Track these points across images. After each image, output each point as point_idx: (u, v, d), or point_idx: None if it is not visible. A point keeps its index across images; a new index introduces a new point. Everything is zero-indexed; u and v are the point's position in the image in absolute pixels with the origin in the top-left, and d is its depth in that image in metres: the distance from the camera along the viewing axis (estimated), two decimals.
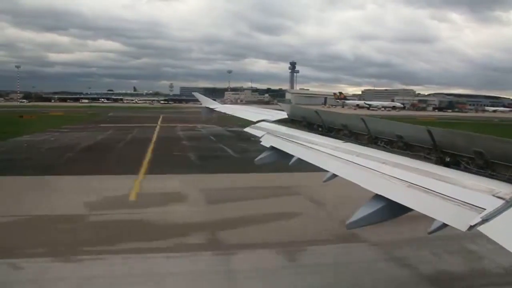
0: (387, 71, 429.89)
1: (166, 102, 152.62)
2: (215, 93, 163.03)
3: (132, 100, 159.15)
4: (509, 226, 2.45)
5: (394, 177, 3.61)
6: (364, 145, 4.78)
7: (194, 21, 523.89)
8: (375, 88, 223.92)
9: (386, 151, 4.36)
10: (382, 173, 3.78)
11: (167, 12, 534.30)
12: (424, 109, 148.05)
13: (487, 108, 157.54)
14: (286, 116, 7.33)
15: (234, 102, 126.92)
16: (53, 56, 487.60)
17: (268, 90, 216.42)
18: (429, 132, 3.75)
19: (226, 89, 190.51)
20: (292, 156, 5.50)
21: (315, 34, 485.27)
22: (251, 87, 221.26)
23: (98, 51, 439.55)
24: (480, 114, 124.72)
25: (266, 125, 7.27)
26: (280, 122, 7.27)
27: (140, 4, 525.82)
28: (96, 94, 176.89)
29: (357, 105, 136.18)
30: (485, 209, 2.62)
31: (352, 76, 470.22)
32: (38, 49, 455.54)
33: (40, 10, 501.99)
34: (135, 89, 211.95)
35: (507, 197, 2.67)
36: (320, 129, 6.06)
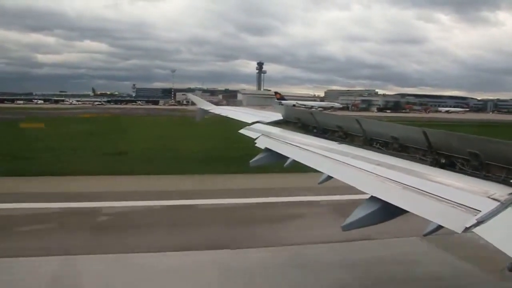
0: (380, 73, 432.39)
1: (100, 103, 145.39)
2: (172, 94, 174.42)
3: (69, 101, 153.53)
4: (504, 228, 2.46)
5: (389, 178, 3.60)
6: (359, 147, 4.77)
7: (179, 21, 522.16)
8: (340, 88, 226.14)
9: (381, 153, 4.36)
10: (377, 174, 3.77)
11: (151, 13, 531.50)
12: (366, 109, 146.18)
13: (440, 108, 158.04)
14: (281, 118, 7.32)
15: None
16: (42, 57, 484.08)
17: (226, 91, 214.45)
18: (424, 134, 3.76)
19: (181, 90, 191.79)
20: (287, 157, 5.47)
21: (304, 35, 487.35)
22: (204, 87, 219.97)
23: (86, 52, 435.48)
24: (424, 114, 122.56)
25: (261, 127, 7.23)
26: (275, 123, 7.23)
27: (122, 4, 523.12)
28: (42, 95, 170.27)
29: (294, 105, 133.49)
30: (480, 210, 2.62)
31: (346, 78, 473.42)
32: (25, 49, 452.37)
33: (22, 10, 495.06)
34: (93, 90, 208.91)
35: (502, 198, 2.67)
36: (315, 130, 6.05)
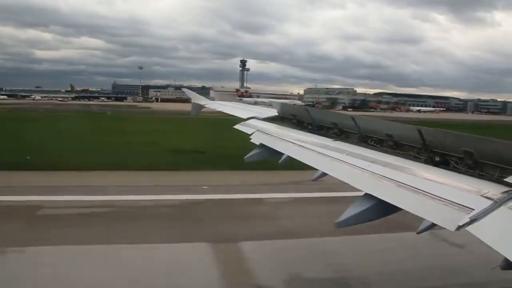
0: (379, 73, 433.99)
1: (62, 100, 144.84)
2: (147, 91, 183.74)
3: (31, 96, 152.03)
4: (497, 227, 2.46)
5: (384, 176, 3.60)
6: (354, 144, 4.77)
7: (174, 19, 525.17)
8: (318, 86, 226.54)
9: (376, 150, 4.36)
10: (372, 172, 3.78)
11: (145, 10, 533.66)
12: (331, 107, 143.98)
13: (411, 108, 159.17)
14: (277, 114, 7.29)
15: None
16: (40, 53, 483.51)
17: (203, 88, 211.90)
18: (419, 132, 3.76)
19: (156, 87, 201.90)
20: (282, 154, 5.46)
21: (300, 34, 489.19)
22: (178, 84, 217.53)
23: (84, 48, 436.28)
24: (388, 113, 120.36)
25: (256, 123, 7.22)
26: (270, 119, 7.22)
27: (116, 1, 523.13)
28: (11, 90, 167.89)
29: (255, 102, 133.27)
30: (473, 209, 2.62)
31: (345, 77, 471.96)
32: (23, 45, 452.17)
33: (15, 6, 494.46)
34: (72, 86, 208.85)
35: (495, 197, 2.68)
36: (310, 127, 6.03)
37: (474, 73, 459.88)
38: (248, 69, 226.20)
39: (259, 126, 6.87)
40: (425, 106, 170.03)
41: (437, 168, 3.52)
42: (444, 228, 2.68)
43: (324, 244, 9.17)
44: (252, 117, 7.61)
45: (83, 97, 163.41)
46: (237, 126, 7.46)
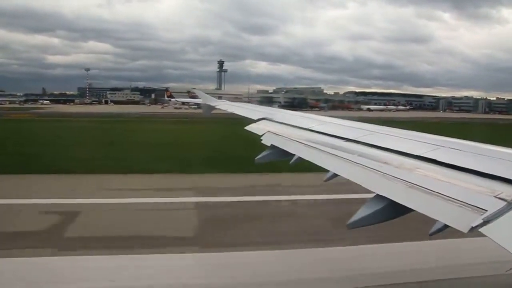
0: (392, 73, 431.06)
1: (4, 102, 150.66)
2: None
3: None
4: (511, 228, 2.46)
5: (396, 177, 3.61)
6: (366, 145, 4.75)
7: (178, 22, 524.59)
8: (286, 87, 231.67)
9: (388, 151, 4.34)
10: (384, 173, 3.78)
11: (148, 13, 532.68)
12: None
13: (362, 106, 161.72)
14: None
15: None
16: (52, 58, 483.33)
17: (167, 90, 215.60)
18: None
19: (117, 89, 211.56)
20: (293, 155, 5.48)
21: (304, 35, 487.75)
22: (139, 85, 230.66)
23: (93, 53, 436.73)
24: (323, 111, 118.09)
25: (267, 124, 7.29)
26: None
27: (117, 4, 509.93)
28: None
29: (182, 103, 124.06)
30: (486, 210, 2.62)
31: (358, 79, 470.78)
32: (34, 50, 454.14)
33: (20, 11, 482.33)
34: (44, 90, 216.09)
35: (509, 198, 2.67)
36: None
37: (489, 72, 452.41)
38: (225, 70, 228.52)
39: (269, 127, 6.92)
40: (394, 105, 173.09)
41: (450, 169, 3.50)
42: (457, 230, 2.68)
43: None
44: (263, 118, 7.69)
45: (32, 100, 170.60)
46: (248, 127, 7.49)
